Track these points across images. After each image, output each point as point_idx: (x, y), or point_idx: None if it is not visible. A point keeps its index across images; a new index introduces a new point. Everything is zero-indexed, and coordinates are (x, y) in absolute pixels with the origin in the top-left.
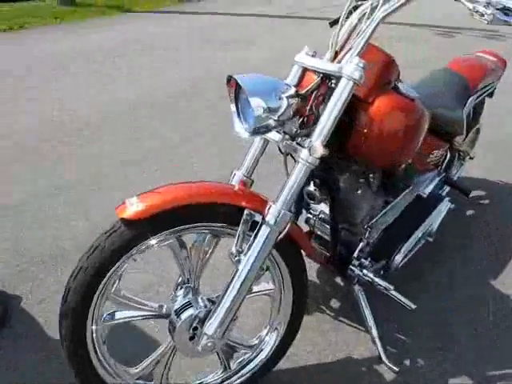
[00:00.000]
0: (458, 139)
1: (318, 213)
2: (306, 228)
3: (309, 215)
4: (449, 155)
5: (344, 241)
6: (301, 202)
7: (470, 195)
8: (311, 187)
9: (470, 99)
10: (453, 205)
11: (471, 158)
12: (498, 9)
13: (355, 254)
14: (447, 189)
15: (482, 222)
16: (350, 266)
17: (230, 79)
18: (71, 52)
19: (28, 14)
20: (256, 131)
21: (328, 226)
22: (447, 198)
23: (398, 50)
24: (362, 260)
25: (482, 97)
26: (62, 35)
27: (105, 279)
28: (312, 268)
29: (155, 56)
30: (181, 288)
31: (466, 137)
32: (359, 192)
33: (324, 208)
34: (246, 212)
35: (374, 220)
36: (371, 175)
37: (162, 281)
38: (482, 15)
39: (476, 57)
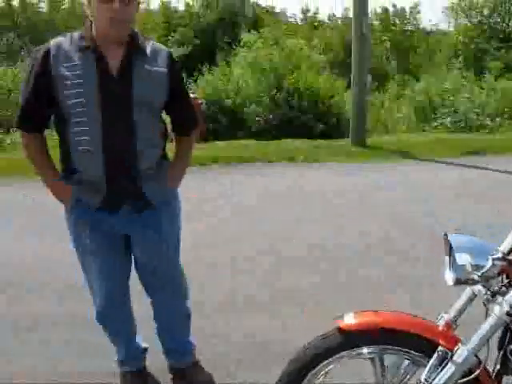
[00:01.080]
0: None
1: None
2: None
3: None
4: None
5: None
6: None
7: None
8: None
9: None
10: None
11: None
12: None
13: None
14: None
15: None
16: None
17: (446, 236)
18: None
19: (324, 149)
20: (459, 281)
21: None
22: None
23: None
24: None
25: None
26: (347, 171)
27: (314, 371)
28: None
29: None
30: None
31: None
32: None
33: None
34: (439, 348)
35: None
36: None
37: None
38: None
39: None
